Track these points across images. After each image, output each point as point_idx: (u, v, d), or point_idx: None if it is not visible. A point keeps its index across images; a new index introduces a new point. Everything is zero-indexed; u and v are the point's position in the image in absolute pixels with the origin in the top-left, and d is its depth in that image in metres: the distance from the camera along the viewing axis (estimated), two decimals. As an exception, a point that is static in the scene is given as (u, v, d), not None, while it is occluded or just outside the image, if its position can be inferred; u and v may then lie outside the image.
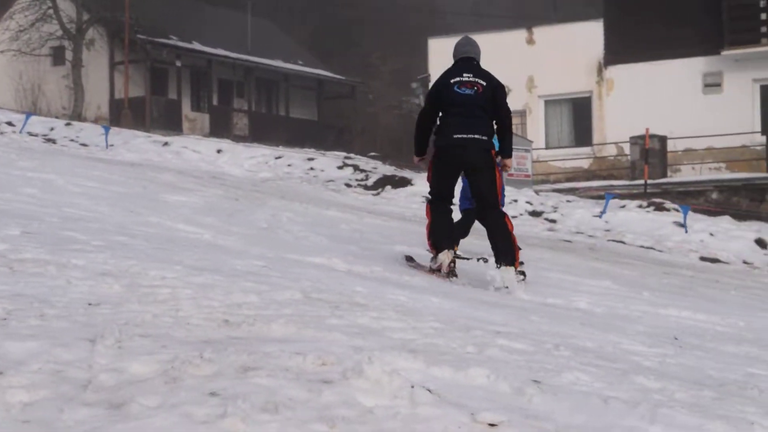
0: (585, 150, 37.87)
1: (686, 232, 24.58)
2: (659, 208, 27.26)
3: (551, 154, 38.05)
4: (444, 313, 7.63)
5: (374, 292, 8.31)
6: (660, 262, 20.43)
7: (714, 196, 31.92)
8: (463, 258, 12.84)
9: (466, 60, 10.85)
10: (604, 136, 37.50)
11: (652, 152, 33.13)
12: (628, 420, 4.90)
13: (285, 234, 13.60)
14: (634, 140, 33.69)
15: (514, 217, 24.93)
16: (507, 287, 10.10)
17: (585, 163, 37.57)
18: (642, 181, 32.20)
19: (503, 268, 10.30)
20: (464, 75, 10.65)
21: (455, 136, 10.53)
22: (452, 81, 10.61)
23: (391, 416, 4.34)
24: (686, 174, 34.34)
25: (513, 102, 38.69)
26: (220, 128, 48.67)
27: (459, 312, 7.96)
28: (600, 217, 25.72)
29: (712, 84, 35.15)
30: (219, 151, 31.26)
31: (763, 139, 32.92)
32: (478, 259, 12.73)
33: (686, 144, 34.00)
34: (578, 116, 38.62)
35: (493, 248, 10.58)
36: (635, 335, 8.45)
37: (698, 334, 9.54)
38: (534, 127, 38.53)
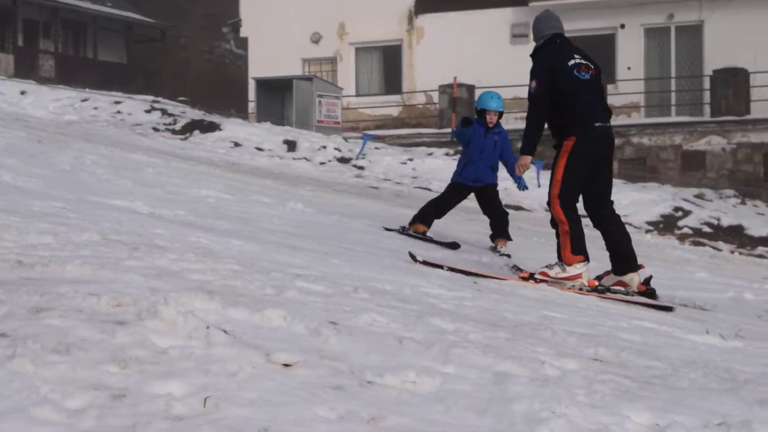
0: (395, 98, 38.17)
1: (539, 186, 25.00)
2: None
3: (361, 101, 38.23)
4: (245, 256, 7.62)
5: (175, 234, 8.23)
6: (465, 209, 20.80)
7: (519, 145, 32.63)
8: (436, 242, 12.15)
9: (565, 38, 9.56)
10: (414, 85, 37.86)
11: (460, 101, 33.67)
12: (422, 360, 5.00)
13: (88, 177, 13.31)
14: (443, 89, 34.15)
15: (322, 163, 25.03)
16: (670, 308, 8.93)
17: (395, 111, 37.88)
18: (450, 130, 32.72)
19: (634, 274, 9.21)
20: (575, 56, 9.33)
21: (597, 125, 9.19)
22: (569, 64, 9.24)
23: (185, 357, 4.32)
24: (491, 123, 34.97)
25: (323, 49, 39.03)
26: (25, 70, 47.05)
27: (260, 255, 7.95)
28: (357, 158, 25.97)
29: (520, 35, 35.81)
30: (23, 93, 30.25)
31: (567, 90, 33.78)
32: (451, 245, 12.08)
33: (493, 94, 34.58)
34: (389, 64, 38.85)
35: (614, 256, 9.38)
36: (436, 279, 8.62)
37: (497, 279, 9.76)
38: (344, 75, 38.58)
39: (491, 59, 35.15)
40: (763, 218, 24.06)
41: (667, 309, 8.76)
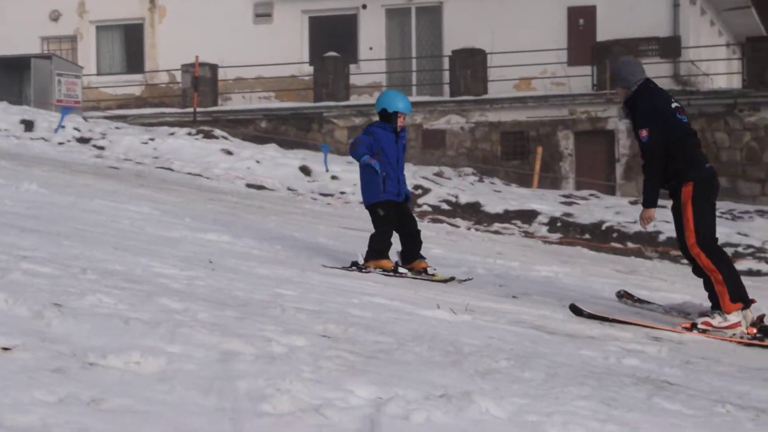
0: (137, 77, 37.45)
1: (327, 170, 24.96)
2: (208, 135, 27.56)
3: (103, 80, 37.31)
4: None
5: None
6: (207, 189, 20.68)
7: (263, 124, 32.68)
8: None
9: (654, 82, 9.39)
10: (157, 64, 37.24)
11: (202, 80, 33.37)
12: (148, 340, 4.94)
13: None
14: (185, 68, 33.78)
15: (61, 143, 24.31)
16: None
17: (137, 91, 37.17)
18: (192, 109, 32.40)
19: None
20: (673, 100, 9.23)
21: (708, 166, 9.15)
22: (673, 107, 9.08)
23: None
24: (237, 102, 34.86)
25: (63, 27, 37.81)
26: None
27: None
28: (56, 132, 25.48)
29: (263, 14, 35.78)
30: None
31: (311, 69, 34.01)
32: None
33: (237, 73, 34.45)
34: (131, 43, 38.06)
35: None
36: (169, 259, 8.51)
37: (235, 257, 9.74)
38: (85, 53, 37.54)
39: (234, 39, 34.95)
40: (500, 195, 24.94)
41: None
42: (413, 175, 25.42)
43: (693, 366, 7.15)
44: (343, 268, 10.20)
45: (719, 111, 28.67)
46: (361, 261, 10.21)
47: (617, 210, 23.56)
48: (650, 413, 5.05)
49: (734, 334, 8.69)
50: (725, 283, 8.75)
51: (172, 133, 27.34)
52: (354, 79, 33.58)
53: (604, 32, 31.23)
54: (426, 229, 19.22)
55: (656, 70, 29.70)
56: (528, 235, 21.48)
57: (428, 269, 10.46)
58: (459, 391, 4.76)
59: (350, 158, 27.43)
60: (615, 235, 21.61)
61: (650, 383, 6.02)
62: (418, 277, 10.21)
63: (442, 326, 7.08)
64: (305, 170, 25.21)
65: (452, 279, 10.39)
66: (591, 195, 26.00)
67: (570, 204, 24.28)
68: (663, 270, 16.80)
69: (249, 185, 23.33)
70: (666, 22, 31.17)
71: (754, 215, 24.06)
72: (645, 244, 20.81)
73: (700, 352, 7.93)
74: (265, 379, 4.47)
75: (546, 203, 23.84)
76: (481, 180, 27.57)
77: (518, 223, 22.42)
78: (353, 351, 5.46)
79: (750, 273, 18.73)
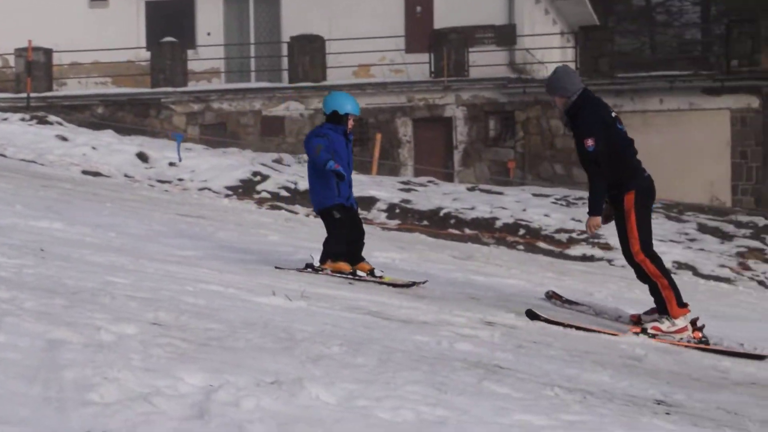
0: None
1: (180, 161, 24.47)
2: (42, 121, 26.90)
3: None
4: None
5: None
6: (40, 176, 20.19)
7: (100, 110, 32.05)
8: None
9: (591, 92, 9.41)
10: (-12, 47, 36.16)
11: (36, 65, 32.52)
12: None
13: None
14: (18, 52, 32.87)
15: None
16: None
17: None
18: (25, 94, 31.56)
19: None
20: (610, 109, 9.35)
21: (646, 175, 9.23)
22: (613, 116, 9.20)
23: None
24: (73, 88, 34.07)
25: None
26: None
27: None
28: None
29: (98, -1, 35.08)
30: None
31: (148, 54, 33.47)
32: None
33: (73, 58, 33.68)
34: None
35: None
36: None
37: (67, 245, 9.54)
38: None
39: (69, 23, 34.14)
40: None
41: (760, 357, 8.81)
42: (251, 161, 25.30)
43: (524, 350, 7.30)
44: (297, 270, 9.98)
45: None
46: (316, 263, 9.97)
47: (455, 197, 23.89)
48: (480, 396, 5.13)
49: (682, 338, 8.84)
50: (672, 289, 8.92)
51: (5, 119, 26.59)
52: (192, 65, 33.18)
53: (441, 20, 31.56)
54: (264, 215, 19.18)
55: (492, 58, 30.25)
56: (367, 221, 21.59)
57: (374, 271, 10.23)
58: (290, 377, 4.76)
59: (189, 145, 27.29)
60: (453, 221, 21.91)
61: (481, 367, 6.13)
62: (375, 280, 9.99)
63: (276, 313, 7.06)
64: (142, 157, 24.83)
65: (413, 284, 10.11)
66: (429, 182, 26.30)
67: (408, 191, 24.51)
68: (499, 256, 17.12)
69: (85, 172, 22.86)
70: (501, 10, 31.67)
71: (587, 201, 24.70)
72: (482, 230, 21.16)
73: (532, 336, 8.10)
74: (93, 368, 4.39)
75: (385, 190, 24.01)
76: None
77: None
78: (185, 338, 5.40)
79: (584, 258, 19.26)
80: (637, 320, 9.39)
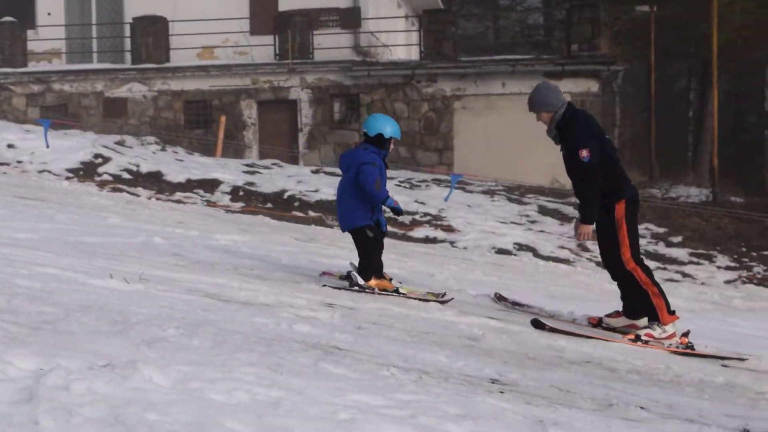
0: None
1: (47, 147, 23.75)
2: None
3: None
4: None
5: None
6: None
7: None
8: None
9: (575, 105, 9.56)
10: None
11: None
12: None
13: None
14: None
15: None
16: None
17: None
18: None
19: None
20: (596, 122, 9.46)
21: (632, 184, 9.38)
22: (601, 129, 9.43)
23: None
24: None
25: None
26: None
27: None
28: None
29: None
30: None
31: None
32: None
33: None
34: None
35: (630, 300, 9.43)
36: None
37: None
38: None
39: None
40: (182, 164, 24.72)
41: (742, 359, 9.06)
42: (93, 143, 24.81)
43: (364, 331, 7.35)
44: (345, 288, 9.66)
45: (398, 82, 29.50)
46: (360, 281, 9.70)
47: (300, 179, 23.86)
48: (315, 378, 5.15)
49: (671, 344, 9.01)
50: (661, 296, 9.07)
51: None
52: (32, 45, 32.34)
53: (286, 2, 31.40)
54: (105, 198, 18.84)
55: (337, 41, 30.29)
56: (210, 204, 21.41)
57: (393, 282, 10.08)
58: (123, 360, 4.70)
59: (29, 126, 26.60)
60: (297, 203, 21.88)
61: (319, 348, 6.15)
62: (421, 298, 9.79)
63: (113, 296, 6.96)
64: (-22, 138, 24.12)
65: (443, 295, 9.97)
66: (274, 164, 26.21)
67: (253, 173, 24.38)
68: (342, 238, 17.16)
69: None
70: (346, -7, 31.75)
71: (431, 184, 24.97)
72: (326, 212, 21.19)
73: (372, 317, 8.16)
74: None
75: (229, 172, 23.84)
76: (163, 149, 27.23)
77: (201, 192, 22.31)
78: (16, 322, 5.28)
79: (427, 240, 19.46)
80: (597, 323, 9.59)
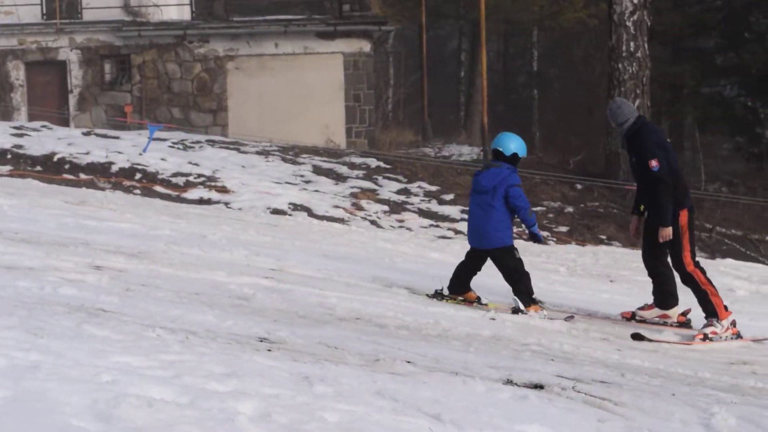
0: None
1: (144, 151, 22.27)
2: None
3: None
4: None
5: None
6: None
7: None
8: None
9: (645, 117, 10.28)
10: None
11: None
12: None
13: None
14: None
15: None
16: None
17: None
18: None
19: None
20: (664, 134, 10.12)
21: (689, 194, 10.12)
22: (669, 141, 10.05)
23: None
24: None
25: None
26: None
27: None
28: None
29: None
30: None
31: None
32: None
33: None
34: None
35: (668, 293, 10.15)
36: None
37: None
38: None
39: None
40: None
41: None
42: None
43: (131, 293, 7.24)
44: (513, 312, 9.57)
45: (170, 42, 29.00)
46: (521, 306, 9.62)
47: (70, 141, 23.20)
48: (77, 340, 5.04)
49: (729, 337, 9.61)
50: (718, 296, 9.73)
51: None
52: None
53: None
54: None
55: (106, 0, 29.49)
56: (-26, 168, 20.61)
57: (480, 299, 10.10)
58: None
59: None
60: (67, 166, 21.29)
61: (83, 311, 6.02)
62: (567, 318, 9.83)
63: None
64: None
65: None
66: (43, 126, 25.39)
67: (21, 136, 23.56)
68: (114, 200, 16.82)
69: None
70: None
71: (204, 145, 24.71)
72: (98, 175, 20.71)
73: (140, 279, 8.04)
74: None
75: (-6, 135, 22.99)
76: (-75, 112, 26.03)
77: (-36, 156, 21.45)
78: None
79: (201, 202, 19.29)
80: (631, 317, 10.15)
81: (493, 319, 8.98)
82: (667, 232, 9.70)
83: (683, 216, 9.79)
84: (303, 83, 28.26)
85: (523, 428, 4.94)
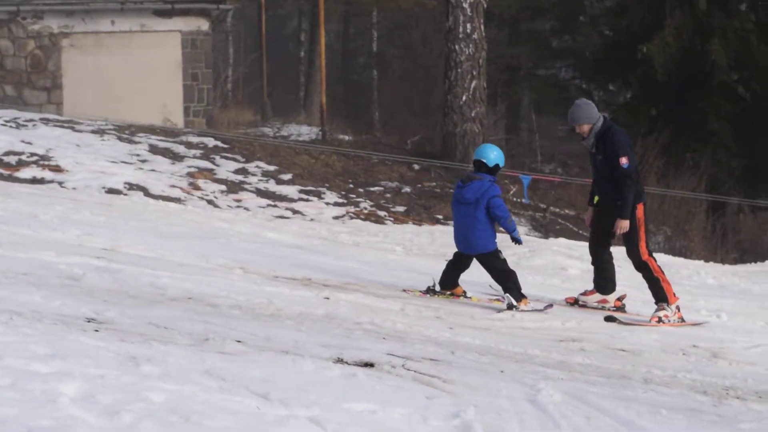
0: None
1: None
2: None
3: None
4: None
5: None
6: None
7: None
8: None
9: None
10: None
11: None
12: None
13: None
14: None
15: None
16: None
17: None
18: None
19: None
20: None
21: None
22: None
23: None
24: None
25: None
26: None
27: None
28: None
29: None
30: None
31: None
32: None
33: None
34: None
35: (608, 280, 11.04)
36: None
37: None
38: None
39: None
40: None
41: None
42: None
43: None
44: (508, 308, 10.26)
45: (2, 18, 28.12)
46: (514, 302, 10.29)
47: None
48: None
49: (677, 320, 10.38)
50: (669, 282, 10.51)
51: None
52: None
53: None
54: None
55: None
56: None
57: (466, 293, 10.88)
58: None
59: None
60: None
61: None
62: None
63: None
64: None
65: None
66: None
67: None
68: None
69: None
70: None
71: (38, 123, 24.08)
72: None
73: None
74: None
75: None
76: None
77: None
78: None
79: (34, 181, 18.83)
80: (574, 301, 10.98)
81: (327, 298, 9.03)
82: (625, 224, 10.42)
83: (640, 209, 10.56)
84: (140, 62, 27.75)
85: (351, 406, 5.00)
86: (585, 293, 10.99)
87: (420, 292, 10.61)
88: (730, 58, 28.07)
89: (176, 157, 21.98)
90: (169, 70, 28.14)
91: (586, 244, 11.65)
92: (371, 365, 6.08)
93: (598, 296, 10.91)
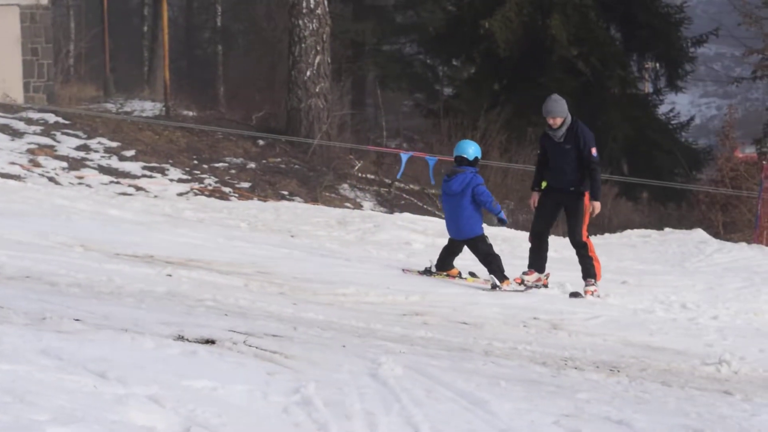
0: None
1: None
2: None
3: None
4: None
5: None
6: None
7: None
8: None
9: None
10: None
11: None
12: None
13: None
14: None
15: None
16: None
17: None
18: None
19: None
20: None
21: None
22: None
23: None
24: None
25: None
26: None
27: None
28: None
29: None
30: None
31: None
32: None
33: None
34: None
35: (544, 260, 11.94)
36: None
37: None
38: None
39: None
40: None
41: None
42: None
43: None
44: (492, 288, 11.23)
45: None
46: (498, 283, 11.23)
47: None
48: None
49: (599, 295, 11.37)
50: (599, 263, 11.61)
51: None
52: None
53: None
54: None
55: None
56: None
57: (461, 274, 11.96)
58: None
59: None
60: None
61: None
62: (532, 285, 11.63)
63: None
64: None
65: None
66: None
67: None
68: None
69: None
70: None
71: None
72: None
73: None
74: None
75: None
76: None
77: None
78: None
79: None
80: (521, 282, 11.56)
81: (170, 275, 8.98)
82: (598, 205, 11.57)
83: (587, 196, 11.54)
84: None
85: (191, 383, 5.00)
86: (527, 272, 11.73)
87: (418, 272, 11.74)
88: (570, 33, 28.73)
89: (16, 134, 21.48)
90: (8, 45, 27.36)
91: (430, 218, 11.97)
92: (212, 342, 6.09)
93: (536, 275, 11.71)
